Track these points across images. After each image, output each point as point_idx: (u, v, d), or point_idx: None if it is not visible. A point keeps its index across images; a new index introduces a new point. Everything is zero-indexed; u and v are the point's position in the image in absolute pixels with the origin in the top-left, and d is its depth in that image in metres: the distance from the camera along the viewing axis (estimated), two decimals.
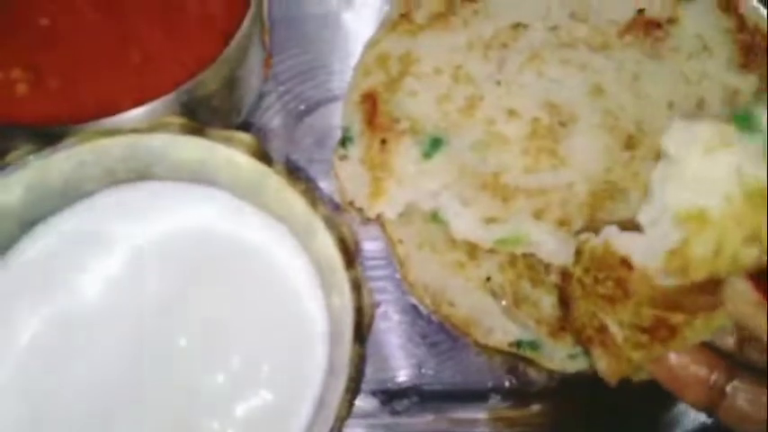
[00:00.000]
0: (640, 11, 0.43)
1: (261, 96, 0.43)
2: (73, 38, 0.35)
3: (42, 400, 0.30)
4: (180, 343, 0.31)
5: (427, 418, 0.38)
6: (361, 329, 0.29)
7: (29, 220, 0.31)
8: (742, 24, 0.43)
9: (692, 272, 0.26)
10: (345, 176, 0.40)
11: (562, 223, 0.37)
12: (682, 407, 0.39)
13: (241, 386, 0.31)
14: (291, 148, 0.43)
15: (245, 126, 0.43)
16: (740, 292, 0.26)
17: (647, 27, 0.42)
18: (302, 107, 0.44)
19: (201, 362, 0.31)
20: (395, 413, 0.38)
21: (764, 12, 0.42)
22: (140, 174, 0.33)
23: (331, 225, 0.31)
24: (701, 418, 0.38)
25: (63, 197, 0.31)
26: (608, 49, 0.41)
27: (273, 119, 0.44)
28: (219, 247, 0.33)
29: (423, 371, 0.39)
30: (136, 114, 0.33)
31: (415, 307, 0.40)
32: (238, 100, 0.39)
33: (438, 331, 0.40)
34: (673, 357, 0.29)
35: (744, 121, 0.25)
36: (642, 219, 0.27)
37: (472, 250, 0.40)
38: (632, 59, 0.41)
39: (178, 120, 0.31)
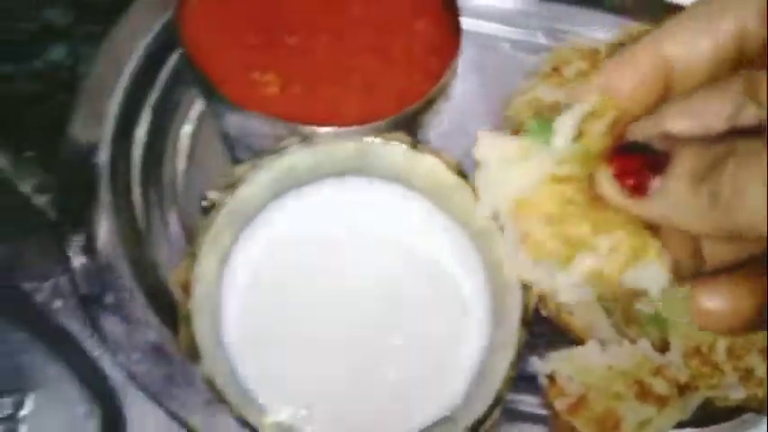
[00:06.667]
0: None
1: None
2: (312, 56, 0.45)
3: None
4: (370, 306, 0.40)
5: None
6: (527, 316, 0.37)
7: (275, 197, 0.40)
8: None
9: (547, 250, 0.25)
10: None
11: None
12: None
13: (409, 357, 0.39)
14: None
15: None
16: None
17: None
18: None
19: (384, 327, 0.40)
20: None
21: None
22: (359, 169, 0.42)
23: None
24: None
25: (302, 180, 0.41)
26: None
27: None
28: (410, 235, 0.41)
29: None
30: (358, 129, 0.42)
31: (537, 311, 0.48)
32: (428, 124, 0.48)
33: (554, 335, 0.48)
34: None
35: (538, 134, 0.26)
36: (480, 213, 0.30)
37: None
38: None
39: (402, 136, 0.40)
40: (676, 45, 0.23)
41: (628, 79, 0.24)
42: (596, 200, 0.24)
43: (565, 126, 0.24)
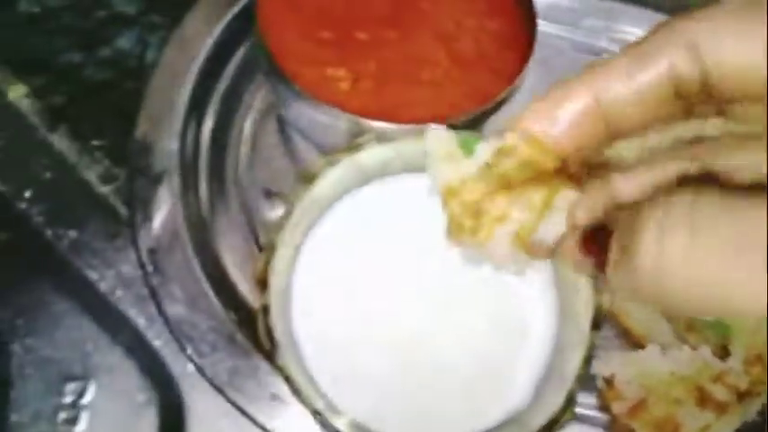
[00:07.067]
0: None
1: None
2: (382, 52, 0.45)
3: None
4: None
5: None
6: (598, 317, 0.37)
7: (346, 192, 0.40)
8: None
9: (467, 229, 0.27)
10: None
11: None
12: None
13: (474, 357, 0.39)
14: None
15: None
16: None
17: None
18: None
19: (449, 325, 0.40)
20: None
21: None
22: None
23: None
24: None
25: (373, 176, 0.41)
26: None
27: None
28: None
29: None
30: (425, 126, 0.42)
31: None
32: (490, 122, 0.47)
33: (614, 338, 0.48)
34: None
35: (465, 145, 0.27)
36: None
37: None
38: None
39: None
40: (610, 86, 0.22)
41: (556, 122, 0.23)
42: (515, 184, 0.26)
43: (482, 153, 0.26)
